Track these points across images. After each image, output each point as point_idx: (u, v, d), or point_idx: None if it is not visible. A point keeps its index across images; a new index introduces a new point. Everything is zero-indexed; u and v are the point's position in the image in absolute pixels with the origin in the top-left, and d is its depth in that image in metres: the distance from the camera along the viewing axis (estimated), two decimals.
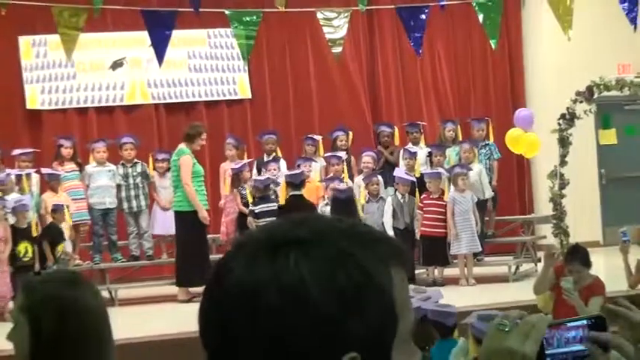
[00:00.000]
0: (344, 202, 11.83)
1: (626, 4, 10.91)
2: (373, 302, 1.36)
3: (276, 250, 1.34)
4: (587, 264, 7.76)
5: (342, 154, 12.91)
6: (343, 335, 1.33)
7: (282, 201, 11.51)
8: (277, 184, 12.22)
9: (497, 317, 1.70)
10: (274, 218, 11.22)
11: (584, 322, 1.75)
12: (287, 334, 1.31)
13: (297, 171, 12.19)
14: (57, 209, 11.58)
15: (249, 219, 11.85)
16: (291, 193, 11.56)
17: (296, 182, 11.80)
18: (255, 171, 12.53)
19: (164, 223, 12.57)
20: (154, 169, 12.79)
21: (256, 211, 11.81)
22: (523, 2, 11.17)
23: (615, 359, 1.65)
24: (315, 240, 1.36)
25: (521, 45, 15.44)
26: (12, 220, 11.34)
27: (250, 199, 12.06)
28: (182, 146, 11.65)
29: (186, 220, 11.58)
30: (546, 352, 1.67)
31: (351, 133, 13.35)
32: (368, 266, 1.36)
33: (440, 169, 12.50)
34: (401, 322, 1.40)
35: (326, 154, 12.97)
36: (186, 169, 11.48)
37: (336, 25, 11.13)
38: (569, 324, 1.74)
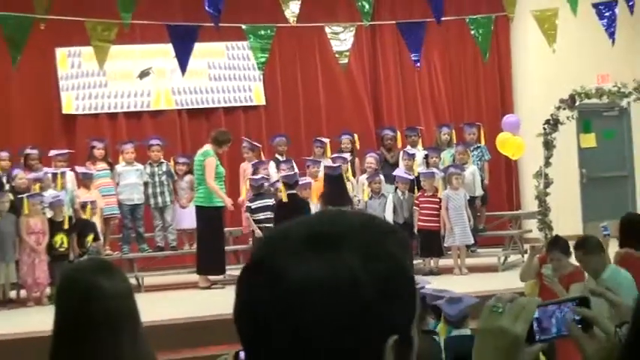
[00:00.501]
0: (335, 178, 12.10)
1: (604, 21, 10.91)
2: (405, 287, 1.37)
3: (320, 245, 1.32)
4: (567, 253, 7.78)
5: (347, 156, 12.88)
6: (386, 320, 1.32)
7: (284, 198, 11.50)
8: (272, 183, 12.29)
9: (491, 300, 1.69)
10: (269, 212, 11.69)
11: (570, 303, 1.75)
12: (336, 323, 1.29)
13: (291, 172, 12.22)
14: (84, 205, 11.67)
15: (247, 214, 11.96)
16: (288, 192, 11.57)
17: (290, 182, 11.85)
18: (249, 170, 12.50)
19: (185, 219, 12.65)
20: (175, 171, 12.85)
21: (252, 207, 11.88)
22: (511, 18, 11.13)
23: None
24: (351, 234, 1.34)
25: (509, 57, 15.50)
26: (49, 214, 11.39)
27: (243, 196, 12.24)
28: (208, 148, 11.73)
29: (206, 214, 11.66)
30: (535, 330, 1.68)
31: (356, 136, 13.33)
32: (397, 254, 1.36)
33: (434, 170, 12.51)
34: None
35: (332, 155, 12.94)
36: (210, 169, 11.54)
37: (342, 39, 11.13)
38: (556, 305, 1.74)
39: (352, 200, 12.30)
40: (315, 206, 12.08)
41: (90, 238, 11.36)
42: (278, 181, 12.20)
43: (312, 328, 1.29)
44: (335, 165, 12.26)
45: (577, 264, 7.63)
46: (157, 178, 12.69)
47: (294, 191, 11.72)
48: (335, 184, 12.16)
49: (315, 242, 1.33)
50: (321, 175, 12.54)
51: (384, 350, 1.31)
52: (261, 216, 11.78)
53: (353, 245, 1.32)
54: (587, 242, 7.62)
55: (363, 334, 1.31)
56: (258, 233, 11.51)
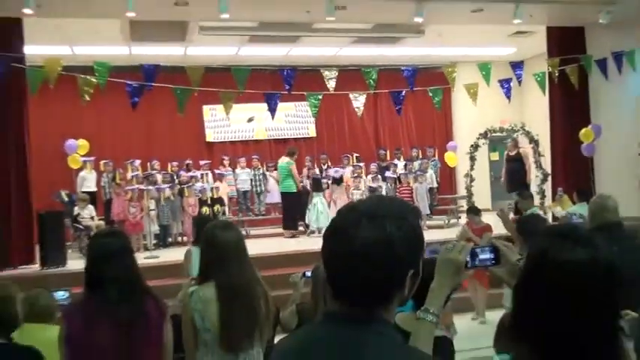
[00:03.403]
0: (337, 180, 12.05)
1: (504, 89, 10.81)
2: (418, 242, 1.36)
3: (374, 219, 1.29)
4: (477, 214, 7.76)
5: (361, 164, 12.97)
6: (408, 261, 1.32)
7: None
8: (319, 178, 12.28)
9: (446, 244, 1.73)
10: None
11: (487, 247, 1.77)
12: (380, 264, 1.27)
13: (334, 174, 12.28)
14: (217, 190, 11.82)
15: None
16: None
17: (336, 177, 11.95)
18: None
19: (272, 198, 12.67)
20: (267, 170, 12.90)
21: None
22: (452, 87, 11.05)
23: None
24: (390, 212, 1.32)
25: (451, 108, 15.43)
26: (199, 195, 11.47)
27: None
28: (288, 159, 11.67)
29: (289, 196, 11.60)
30: (468, 261, 1.71)
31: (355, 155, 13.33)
32: (414, 223, 1.35)
33: (408, 172, 12.54)
34: None
35: (353, 164, 12.99)
36: (295, 170, 11.59)
37: (358, 99, 11.10)
38: (483, 247, 1.76)
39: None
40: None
41: (218, 208, 11.44)
42: (324, 177, 12.27)
43: (366, 268, 1.27)
44: (338, 172, 12.27)
45: (487, 222, 7.54)
46: (256, 177, 12.77)
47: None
48: (337, 184, 12.09)
49: (369, 216, 1.30)
50: (347, 175, 12.55)
51: (406, 279, 1.32)
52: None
53: (391, 218, 1.30)
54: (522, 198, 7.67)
55: (395, 270, 1.30)
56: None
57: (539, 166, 11.49)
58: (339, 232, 1.32)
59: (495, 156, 14.50)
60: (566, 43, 11.09)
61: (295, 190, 11.53)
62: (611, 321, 1.37)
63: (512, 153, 11.42)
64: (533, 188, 10.53)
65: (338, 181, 12.07)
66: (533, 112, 13.40)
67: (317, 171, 12.61)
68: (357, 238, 1.28)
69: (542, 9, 10.05)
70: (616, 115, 10.96)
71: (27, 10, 7.94)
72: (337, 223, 1.34)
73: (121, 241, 2.76)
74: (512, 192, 11.25)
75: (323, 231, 9.51)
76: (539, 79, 10.86)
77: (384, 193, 11.74)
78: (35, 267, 8.87)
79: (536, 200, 9.89)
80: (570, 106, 11.27)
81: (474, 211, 7.93)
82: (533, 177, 11.33)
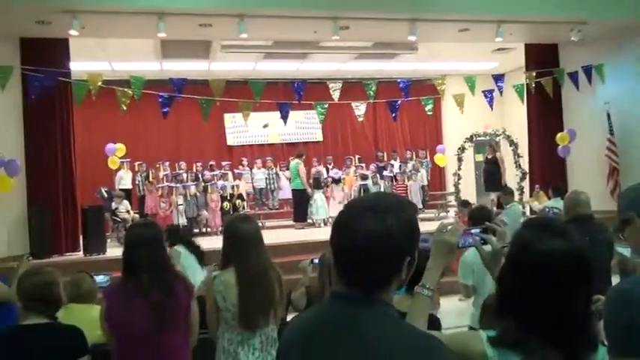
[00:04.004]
0: (336, 180, 12.03)
1: (488, 98, 10.78)
2: (414, 232, 1.33)
3: (374, 211, 1.28)
4: (467, 207, 7.72)
5: (362, 165, 12.93)
6: (405, 250, 1.29)
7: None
8: (324, 178, 12.23)
9: (439, 225, 1.71)
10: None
11: (477, 230, 1.76)
12: (380, 253, 1.25)
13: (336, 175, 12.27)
14: (237, 187, 11.76)
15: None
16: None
17: (335, 178, 11.93)
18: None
19: (284, 194, 12.61)
20: (280, 169, 12.81)
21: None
22: (442, 97, 11.06)
23: None
24: (391, 208, 1.29)
25: (441, 115, 15.29)
26: (221, 192, 11.42)
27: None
28: (298, 160, 11.67)
29: (298, 193, 11.58)
30: (460, 241, 1.68)
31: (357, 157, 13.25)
32: (411, 216, 1.32)
33: (403, 172, 12.49)
34: None
35: (355, 165, 12.95)
36: (302, 170, 11.55)
37: (359, 108, 11.07)
38: (472, 230, 1.75)
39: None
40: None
41: (238, 202, 11.41)
42: (327, 177, 12.23)
43: (368, 256, 1.26)
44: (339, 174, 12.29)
45: None
46: (270, 176, 12.70)
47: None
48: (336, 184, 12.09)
49: (371, 210, 1.28)
50: (351, 173, 12.53)
51: (403, 265, 1.29)
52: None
53: (391, 211, 1.28)
54: (504, 193, 7.66)
55: (394, 257, 1.28)
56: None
57: (518, 165, 11.46)
58: (345, 224, 1.30)
59: (480, 157, 14.25)
60: (541, 58, 11.05)
61: (304, 188, 11.54)
62: (585, 299, 1.39)
63: (490, 156, 11.37)
64: (513, 185, 10.48)
65: (337, 181, 12.18)
66: (513, 119, 13.31)
67: (323, 170, 12.58)
68: (361, 230, 1.26)
69: (521, 28, 10.00)
70: (586, 121, 10.90)
71: (72, 32, 7.99)
72: (344, 217, 1.32)
73: (154, 231, 2.75)
74: (488, 191, 11.26)
75: (325, 222, 9.52)
76: (518, 89, 10.83)
77: (382, 190, 11.72)
78: (79, 254, 8.88)
79: (516, 196, 9.86)
80: (545, 113, 11.22)
81: (464, 204, 7.91)
82: (510, 178, 11.26)
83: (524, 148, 11.62)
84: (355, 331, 1.24)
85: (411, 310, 1.57)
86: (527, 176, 11.45)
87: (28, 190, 8.86)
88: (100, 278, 3.84)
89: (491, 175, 11.15)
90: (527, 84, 10.79)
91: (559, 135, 10.82)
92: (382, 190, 11.68)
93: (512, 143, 11.54)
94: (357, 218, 1.28)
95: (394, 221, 1.27)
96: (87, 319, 3.01)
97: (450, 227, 1.67)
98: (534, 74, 10.72)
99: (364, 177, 11.84)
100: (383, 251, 1.26)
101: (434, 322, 2.29)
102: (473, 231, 1.74)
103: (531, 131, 11.53)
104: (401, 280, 1.31)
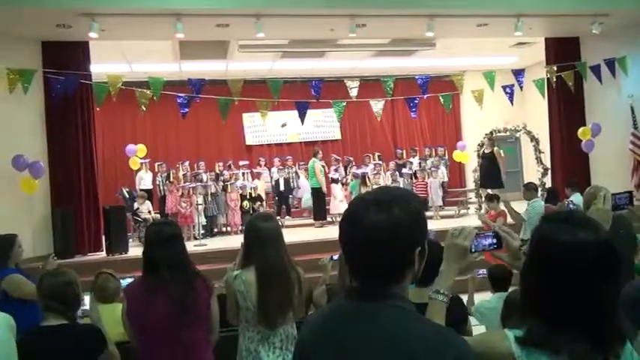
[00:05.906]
0: (358, 176, 11.79)
1: (507, 94, 10.63)
2: (424, 225, 1.33)
3: (381, 204, 1.28)
4: (493, 201, 7.58)
5: (380, 162, 12.86)
6: (415, 241, 1.29)
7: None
8: (344, 176, 12.26)
9: (451, 229, 1.67)
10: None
11: (490, 233, 1.73)
12: (389, 244, 1.25)
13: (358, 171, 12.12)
14: (256, 188, 11.72)
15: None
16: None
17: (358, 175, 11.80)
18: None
19: (303, 193, 12.55)
20: (299, 168, 12.80)
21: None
22: (461, 93, 10.95)
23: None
24: (396, 199, 1.29)
25: (460, 112, 15.19)
26: (240, 191, 11.45)
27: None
28: (315, 159, 11.69)
29: (317, 191, 11.58)
30: (473, 244, 1.65)
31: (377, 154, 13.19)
32: (418, 207, 1.32)
33: (423, 169, 12.36)
34: None
35: (373, 162, 12.88)
36: (319, 169, 11.52)
37: (378, 105, 11.02)
38: (486, 233, 1.73)
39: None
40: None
41: (258, 203, 11.44)
42: (347, 175, 12.15)
43: (377, 249, 1.25)
44: (361, 172, 11.97)
45: (503, 208, 7.34)
46: (290, 175, 12.69)
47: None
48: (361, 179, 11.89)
49: (378, 203, 1.28)
50: (369, 171, 12.42)
51: (414, 256, 1.29)
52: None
53: (398, 204, 1.28)
54: (526, 189, 7.59)
55: (404, 248, 1.27)
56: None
57: (539, 161, 11.30)
58: (351, 218, 1.30)
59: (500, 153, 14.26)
60: (562, 51, 10.90)
61: (320, 186, 11.50)
62: (613, 291, 1.33)
63: (487, 151, 11.22)
64: (536, 182, 10.35)
65: (360, 177, 12.03)
66: (534, 114, 13.13)
67: (342, 169, 12.56)
68: (368, 222, 1.26)
69: (541, 22, 9.86)
70: (609, 115, 10.70)
71: (92, 34, 8.12)
72: (349, 211, 1.33)
73: (173, 229, 2.77)
74: (483, 187, 11.10)
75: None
76: (538, 84, 10.67)
77: (401, 185, 11.66)
78: (102, 254, 9.03)
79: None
80: (567, 108, 11.06)
81: (490, 198, 7.80)
82: (531, 175, 11.10)
83: (545, 144, 11.47)
84: (372, 324, 1.24)
85: (428, 316, 1.54)
86: (549, 172, 11.29)
87: (52, 192, 9.02)
88: (126, 282, 3.88)
89: (486, 170, 11.03)
90: (547, 78, 10.65)
91: (581, 130, 10.66)
92: (402, 186, 11.65)
93: (533, 139, 11.37)
94: (361, 210, 1.28)
95: (401, 212, 1.27)
96: (113, 317, 3.07)
97: (462, 230, 1.65)
98: (555, 68, 10.57)
99: (356, 176, 11.79)
100: (392, 242, 1.25)
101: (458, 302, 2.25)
102: (484, 235, 1.71)
103: (552, 126, 11.37)
104: (414, 272, 1.30)
